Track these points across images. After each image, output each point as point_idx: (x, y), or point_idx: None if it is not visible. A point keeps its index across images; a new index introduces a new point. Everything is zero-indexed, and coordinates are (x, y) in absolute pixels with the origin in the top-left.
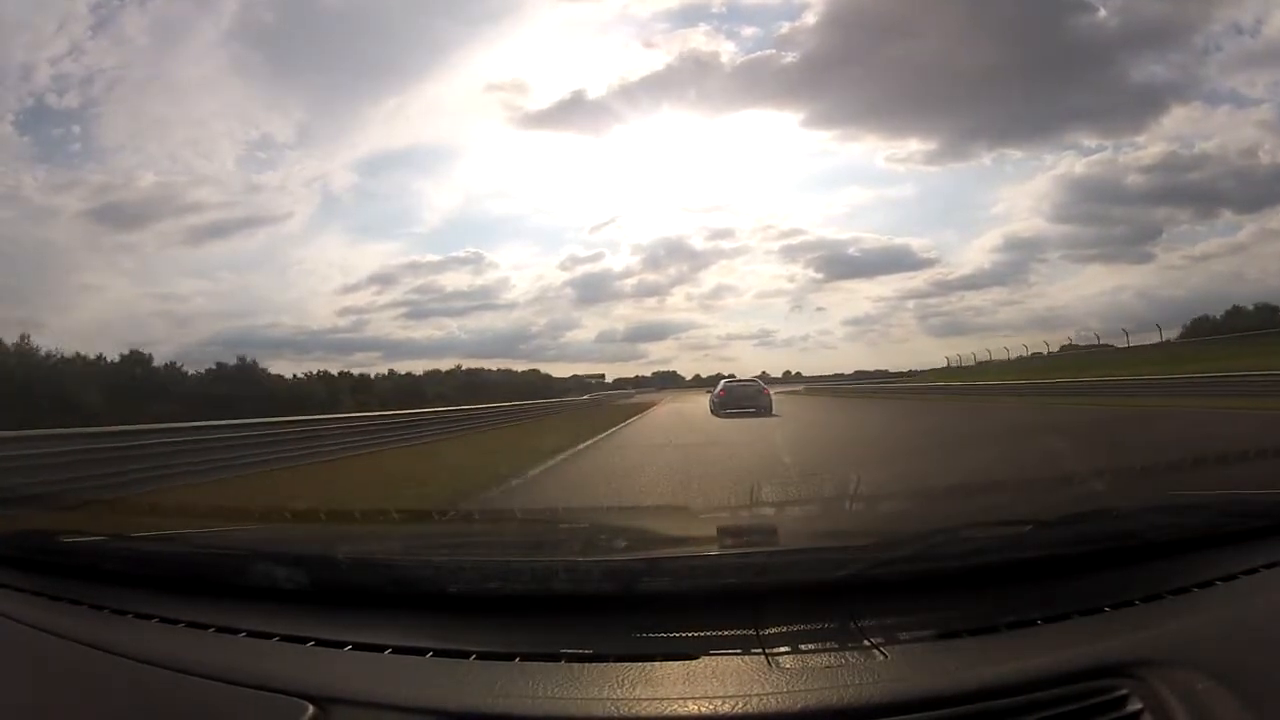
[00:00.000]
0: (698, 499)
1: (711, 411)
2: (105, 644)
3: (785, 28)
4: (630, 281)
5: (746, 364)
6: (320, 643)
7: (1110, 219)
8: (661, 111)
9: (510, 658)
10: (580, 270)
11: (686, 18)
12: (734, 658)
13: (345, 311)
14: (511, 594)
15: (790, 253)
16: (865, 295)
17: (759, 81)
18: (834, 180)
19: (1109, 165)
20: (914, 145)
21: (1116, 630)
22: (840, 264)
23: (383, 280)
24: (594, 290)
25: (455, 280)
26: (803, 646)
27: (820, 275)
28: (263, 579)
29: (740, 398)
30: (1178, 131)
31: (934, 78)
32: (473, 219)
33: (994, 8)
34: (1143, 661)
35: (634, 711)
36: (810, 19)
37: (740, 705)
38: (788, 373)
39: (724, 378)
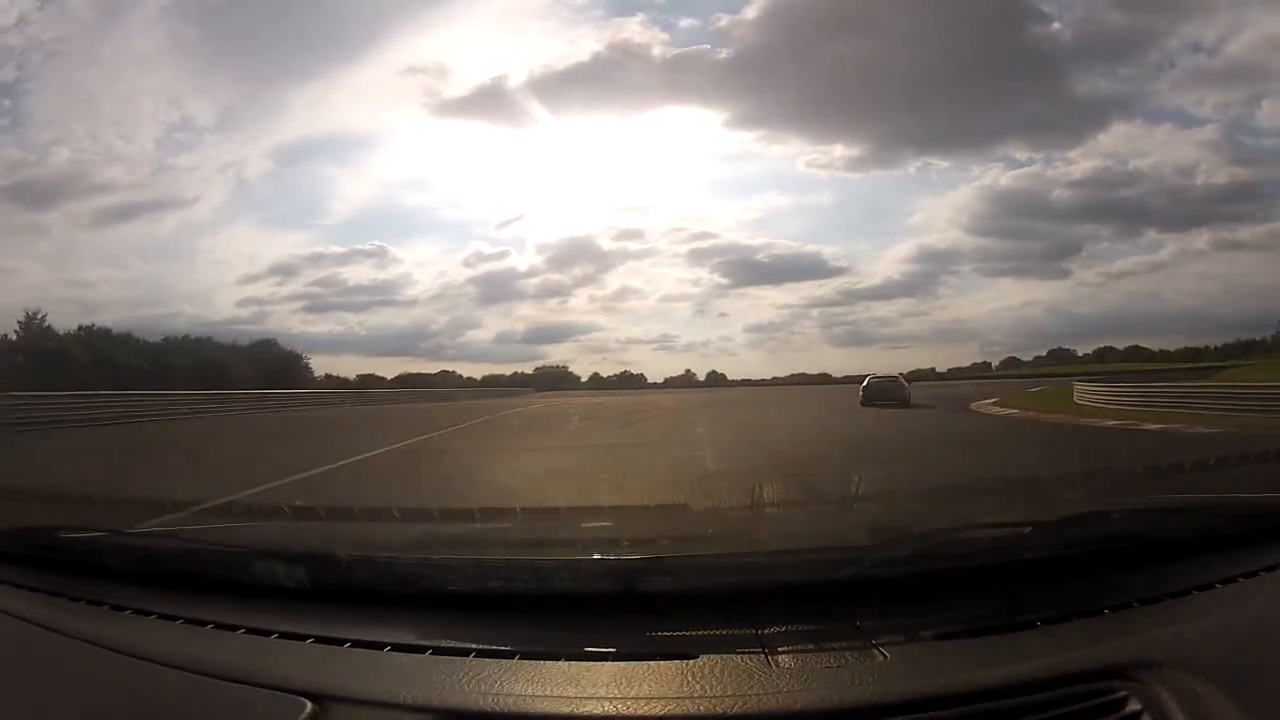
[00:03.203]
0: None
1: (861, 403)
2: (104, 640)
3: (724, 21)
4: (534, 281)
5: (646, 368)
6: (319, 640)
7: (1031, 233)
8: (584, 104)
9: (510, 656)
10: (484, 268)
11: (625, 5)
12: (734, 657)
13: (246, 302)
14: (512, 592)
15: (698, 256)
16: (771, 302)
17: (688, 77)
18: (752, 184)
19: (1036, 179)
20: (839, 150)
21: (1116, 632)
22: (748, 269)
23: (285, 271)
24: (497, 289)
25: (358, 274)
26: (803, 646)
27: (727, 280)
28: (263, 576)
29: (882, 391)
30: (1114, 148)
31: (869, 81)
32: (382, 211)
33: (941, 14)
34: (1142, 663)
35: (634, 711)
36: (751, 13)
37: (740, 705)
38: (688, 373)
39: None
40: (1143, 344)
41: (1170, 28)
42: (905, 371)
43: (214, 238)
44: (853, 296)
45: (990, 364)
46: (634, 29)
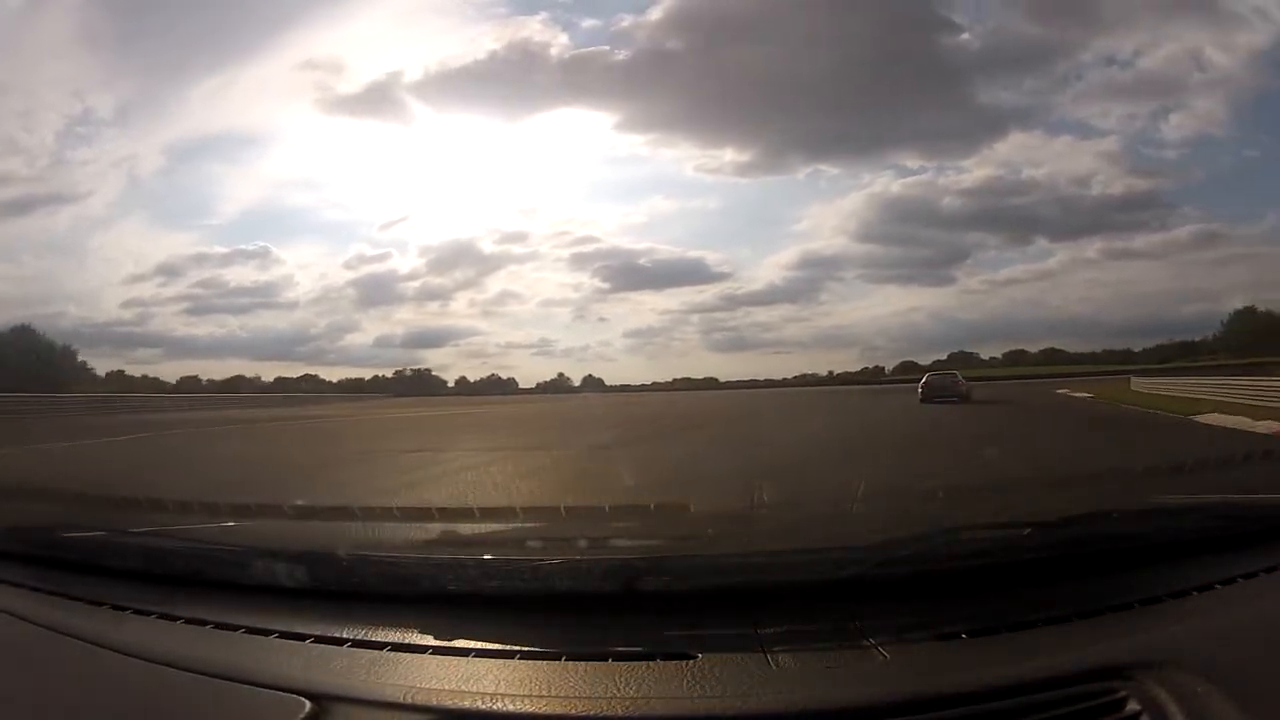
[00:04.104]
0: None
1: (921, 400)
2: (104, 640)
3: (627, 21)
4: (415, 284)
5: (525, 373)
6: (319, 639)
7: (918, 240)
8: (476, 104)
9: (510, 656)
10: (366, 270)
11: (531, 4)
12: (733, 657)
13: (130, 303)
14: (511, 592)
15: (580, 261)
16: (651, 307)
17: (583, 79)
18: (638, 188)
19: (927, 187)
20: (729, 155)
21: (1115, 633)
22: (630, 274)
23: (169, 271)
24: (377, 292)
25: (241, 275)
26: (802, 646)
27: (608, 285)
28: (262, 575)
29: (941, 387)
30: (1009, 157)
31: (765, 87)
32: (268, 210)
33: (842, 22)
34: (1142, 664)
35: (634, 710)
36: (656, 14)
37: (739, 705)
38: (561, 376)
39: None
40: (1059, 347)
41: (1084, 40)
42: (789, 376)
43: (105, 235)
44: (734, 302)
45: (883, 368)
46: (535, 28)
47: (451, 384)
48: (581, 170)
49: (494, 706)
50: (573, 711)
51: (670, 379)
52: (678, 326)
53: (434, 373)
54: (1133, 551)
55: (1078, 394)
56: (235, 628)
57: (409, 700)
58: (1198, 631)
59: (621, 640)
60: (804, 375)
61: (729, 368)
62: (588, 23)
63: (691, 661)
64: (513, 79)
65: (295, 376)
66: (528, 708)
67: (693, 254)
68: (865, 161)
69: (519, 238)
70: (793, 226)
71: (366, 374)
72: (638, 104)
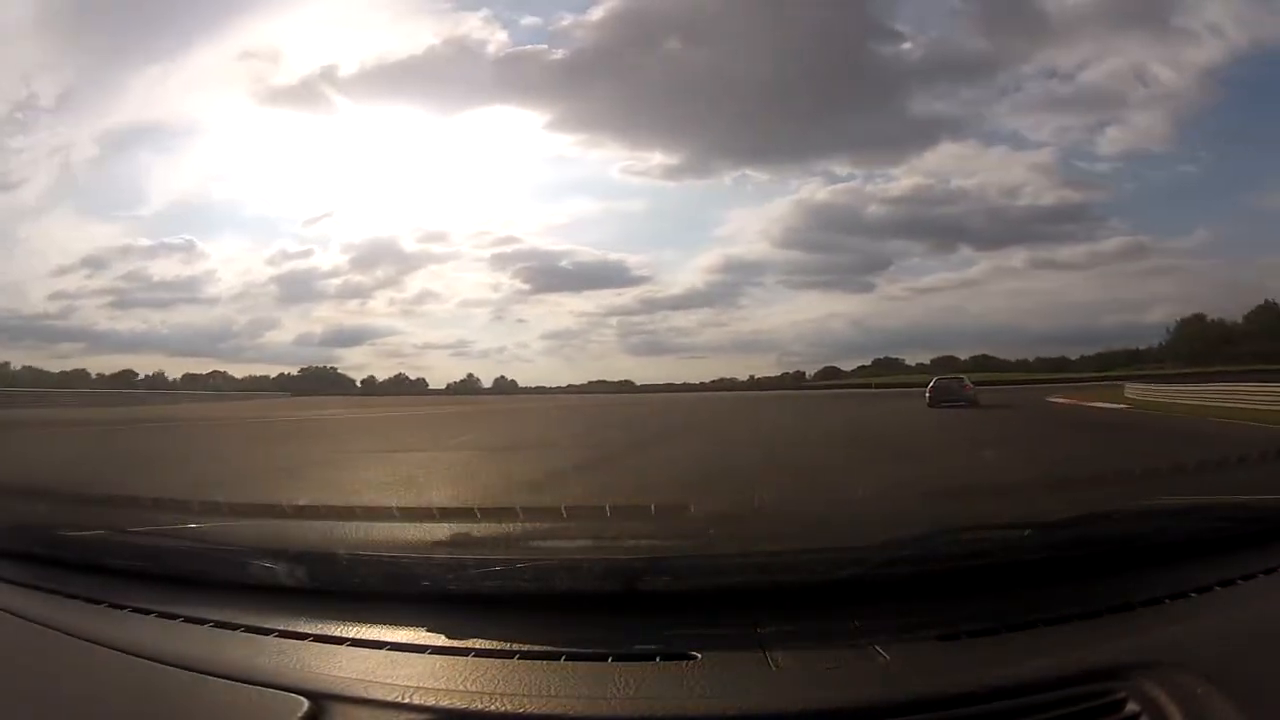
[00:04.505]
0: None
1: (929, 405)
2: (103, 638)
3: (567, 20)
4: (336, 282)
5: (442, 374)
6: (319, 639)
7: (841, 247)
8: (410, 99)
9: (509, 655)
10: (288, 266)
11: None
12: (733, 657)
13: (57, 296)
14: (512, 592)
15: (501, 261)
16: (569, 309)
17: (518, 77)
18: (564, 188)
19: (854, 194)
20: (657, 158)
21: (1115, 634)
22: (550, 276)
23: (95, 264)
24: (299, 289)
25: (164, 269)
26: (802, 647)
27: (528, 286)
28: (262, 574)
29: (948, 392)
30: (939, 167)
31: (698, 91)
32: (196, 202)
33: (779, 28)
34: (1141, 665)
35: (633, 710)
36: (597, 14)
37: (739, 705)
38: (471, 377)
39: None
40: (990, 354)
41: (1027, 53)
42: (707, 380)
43: (33, 225)
44: (652, 306)
45: (804, 374)
46: (474, 24)
47: (359, 383)
48: (508, 169)
49: (494, 706)
50: (573, 711)
51: (586, 381)
52: (595, 329)
53: (345, 372)
54: (1132, 552)
55: (1099, 403)
56: (234, 627)
57: (409, 700)
58: (1197, 632)
59: (622, 640)
60: (722, 380)
61: (646, 371)
62: (528, 20)
63: (691, 661)
64: (448, 75)
65: (205, 373)
66: (528, 708)
67: (614, 257)
68: (793, 167)
69: (441, 236)
70: (716, 231)
71: (277, 372)
72: (570, 104)
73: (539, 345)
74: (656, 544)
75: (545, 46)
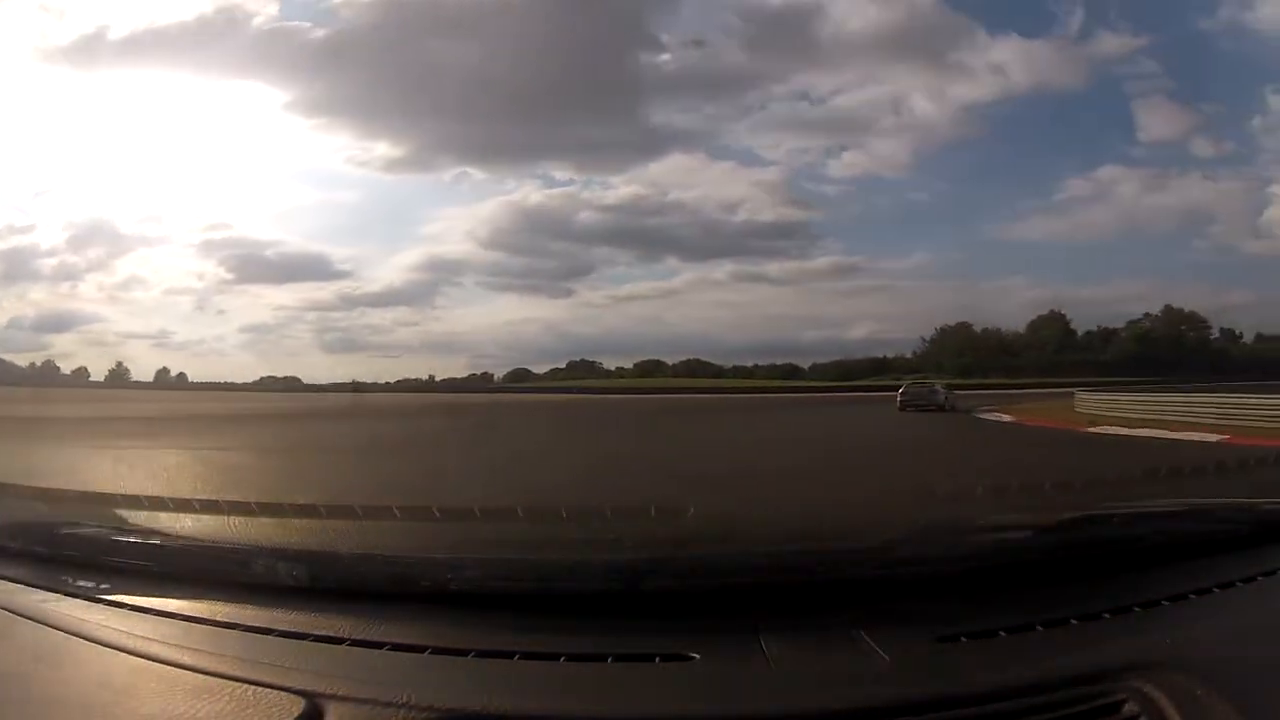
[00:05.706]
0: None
1: (899, 409)
2: (102, 637)
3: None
4: (52, 262)
5: (143, 366)
6: (318, 638)
7: (546, 251)
8: (162, 66)
9: (509, 656)
10: (12, 242)
11: None
12: (733, 658)
13: None
14: (511, 592)
15: (209, 248)
16: (269, 302)
17: (274, 53)
18: (288, 175)
19: (569, 199)
20: (382, 149)
21: (1115, 636)
22: (255, 266)
23: None
24: (16, 267)
25: None
26: (802, 648)
27: (232, 276)
28: (262, 573)
29: (918, 396)
30: (661, 177)
31: (433, 84)
32: None
33: (526, 27)
34: (1141, 667)
35: (633, 711)
36: None
37: (739, 706)
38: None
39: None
40: (704, 359)
41: (785, 74)
42: (394, 380)
43: None
44: (351, 302)
45: (493, 375)
46: None
47: (69, 372)
48: (238, 150)
49: (494, 706)
50: (572, 712)
51: (258, 378)
52: (292, 324)
53: (55, 360)
54: (1131, 555)
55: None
56: (234, 626)
57: (408, 700)
58: (1196, 634)
59: (621, 641)
60: (405, 380)
61: (339, 369)
62: None
63: (691, 662)
64: (207, 45)
65: None
66: (528, 708)
67: (321, 248)
68: (515, 168)
69: (155, 218)
70: (425, 228)
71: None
72: (314, 86)
73: (236, 339)
74: (657, 544)
75: (309, 24)
